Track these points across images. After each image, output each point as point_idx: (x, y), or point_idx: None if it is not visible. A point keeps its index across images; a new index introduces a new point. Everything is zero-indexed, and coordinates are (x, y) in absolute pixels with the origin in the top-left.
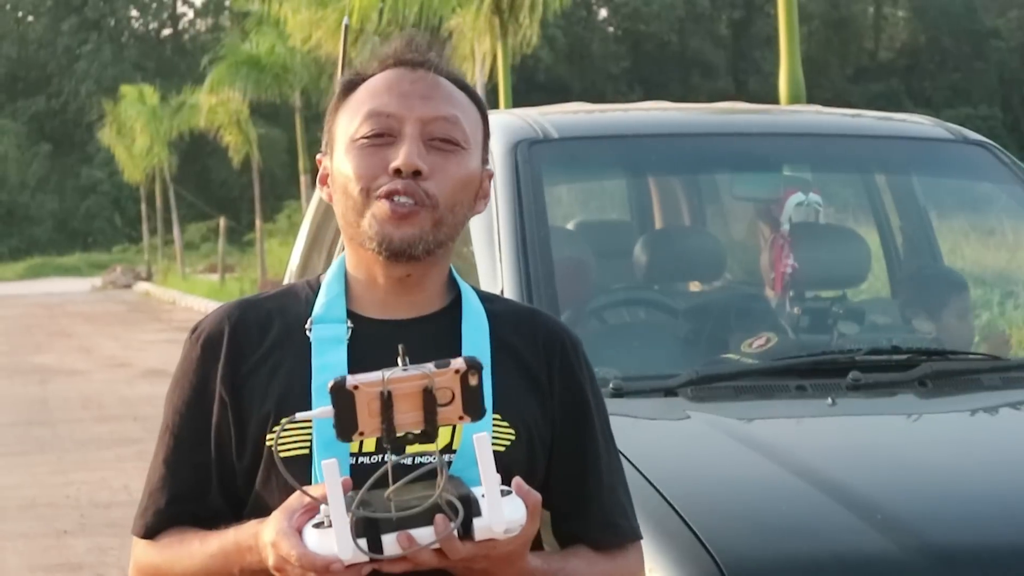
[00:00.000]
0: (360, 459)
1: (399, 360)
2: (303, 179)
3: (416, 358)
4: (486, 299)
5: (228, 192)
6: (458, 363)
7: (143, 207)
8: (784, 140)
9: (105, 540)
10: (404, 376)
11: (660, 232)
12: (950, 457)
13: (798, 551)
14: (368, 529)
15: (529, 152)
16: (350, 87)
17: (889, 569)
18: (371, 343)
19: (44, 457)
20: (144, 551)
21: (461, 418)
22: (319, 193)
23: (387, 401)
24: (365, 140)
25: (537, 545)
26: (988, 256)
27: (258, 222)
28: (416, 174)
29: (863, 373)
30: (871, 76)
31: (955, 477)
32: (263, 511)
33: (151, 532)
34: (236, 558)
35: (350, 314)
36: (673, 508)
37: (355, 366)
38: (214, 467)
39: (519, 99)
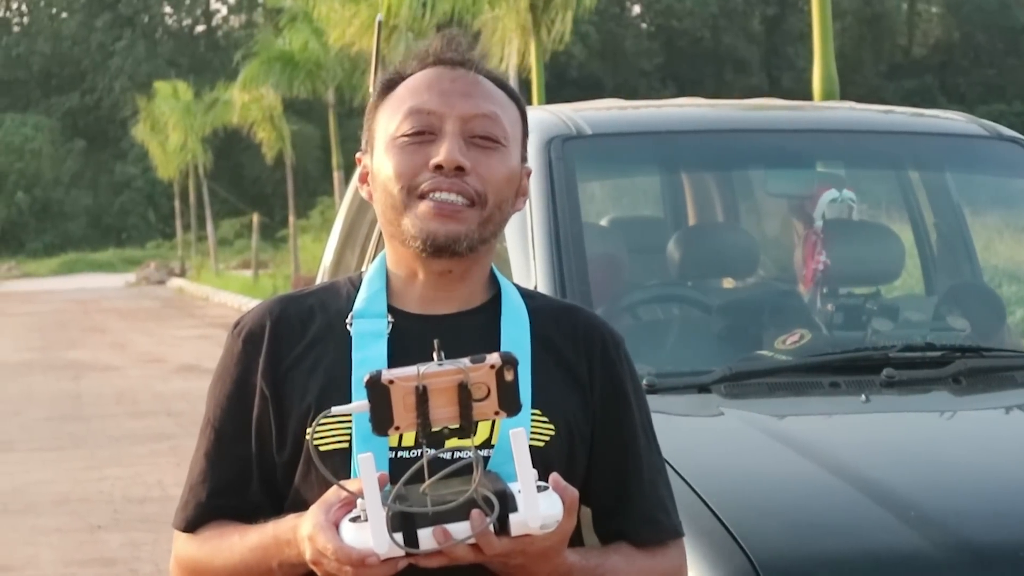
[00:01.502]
0: (399, 453)
1: (434, 355)
2: (336, 175)
3: (456, 353)
4: (526, 295)
5: (261, 188)
6: (493, 358)
7: (177, 203)
8: (818, 136)
9: (139, 535)
10: (439, 371)
11: (693, 228)
12: (984, 454)
13: (832, 548)
14: (404, 523)
15: (563, 148)
16: (390, 86)
17: (923, 566)
18: (411, 338)
19: (78, 452)
20: (185, 544)
21: (497, 413)
22: (352, 189)
23: (422, 396)
24: (406, 138)
25: (577, 541)
26: (1022, 252)
27: (291, 218)
28: (458, 170)
29: (897, 370)
30: (905, 72)
31: (989, 474)
32: (303, 505)
33: (192, 525)
34: (275, 552)
35: (391, 309)
36: (707, 505)
37: (395, 360)
38: (255, 461)
39: (551, 95)
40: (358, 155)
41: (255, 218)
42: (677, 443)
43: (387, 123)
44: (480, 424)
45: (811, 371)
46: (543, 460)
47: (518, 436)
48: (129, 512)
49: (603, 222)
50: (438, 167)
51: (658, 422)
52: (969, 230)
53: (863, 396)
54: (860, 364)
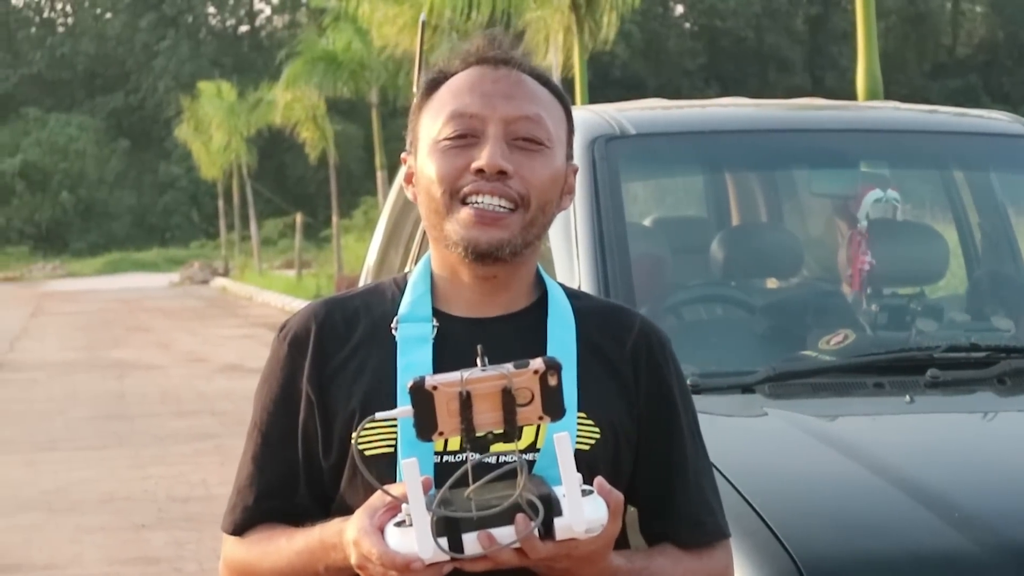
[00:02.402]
0: (444, 458)
1: (477, 360)
2: (379, 175)
3: (502, 356)
4: (573, 296)
5: (305, 188)
6: (537, 363)
7: (220, 203)
8: (862, 136)
9: (182, 534)
10: (483, 376)
11: (737, 228)
12: None
13: (876, 549)
14: (449, 528)
15: (606, 148)
16: (433, 85)
17: (967, 567)
18: (457, 341)
19: (122, 451)
20: (233, 547)
21: (541, 418)
22: (396, 189)
23: (466, 401)
24: (448, 142)
25: (623, 541)
26: None
27: (334, 218)
28: (501, 174)
29: (941, 371)
30: (949, 72)
31: None
32: (349, 509)
33: (240, 529)
34: (321, 555)
35: (436, 312)
36: (751, 505)
37: (440, 364)
38: (301, 465)
39: (594, 95)
40: (403, 155)
41: (298, 218)
42: (721, 443)
43: (430, 125)
44: (525, 428)
45: (855, 371)
46: (588, 463)
47: (562, 441)
48: (173, 511)
49: (647, 222)
50: (480, 171)
51: (702, 422)
52: (1014, 230)
53: (907, 397)
54: (904, 364)
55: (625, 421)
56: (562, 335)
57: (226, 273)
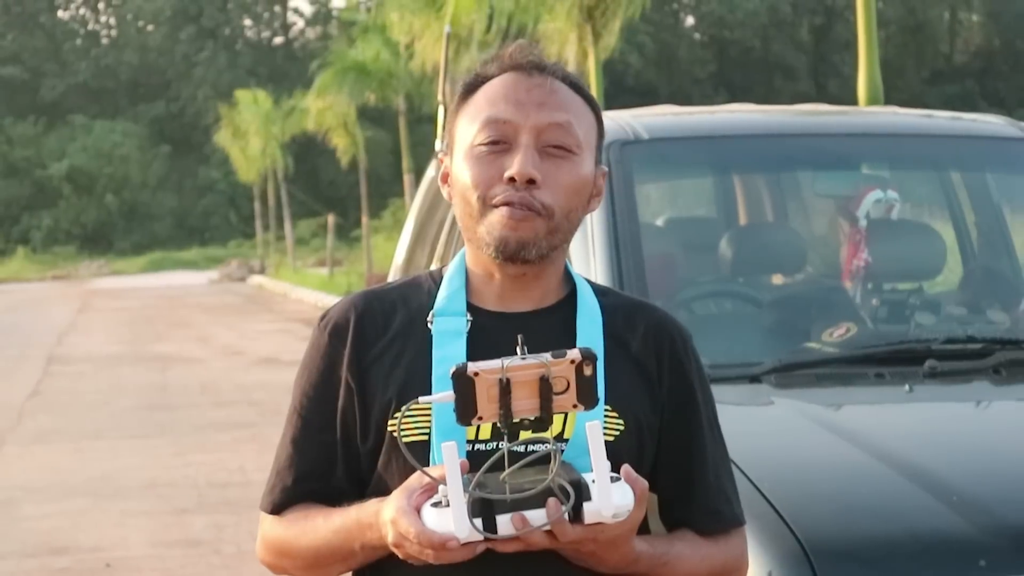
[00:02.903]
0: (476, 446)
1: (518, 349)
2: (407, 178)
3: (533, 349)
4: (600, 292)
5: (336, 191)
6: (574, 353)
7: (256, 205)
8: (863, 140)
9: (222, 518)
10: (522, 364)
11: (744, 228)
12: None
13: (878, 531)
14: (484, 509)
15: (621, 152)
16: (470, 89)
17: (964, 548)
18: (489, 334)
19: (164, 440)
20: (271, 526)
21: (575, 406)
22: (422, 192)
23: (505, 388)
24: (483, 147)
25: (643, 527)
26: None
27: (364, 219)
28: (530, 182)
29: (939, 361)
30: (946, 78)
31: None
32: (383, 492)
33: (278, 508)
34: (357, 534)
35: (470, 306)
36: (758, 490)
37: (474, 357)
38: (339, 448)
39: (609, 102)
40: (440, 155)
41: (330, 219)
42: (729, 431)
43: (466, 130)
44: (553, 419)
45: (857, 363)
46: (613, 454)
47: (594, 428)
48: (213, 496)
49: (659, 222)
50: (511, 180)
51: None
52: (1008, 228)
53: (907, 386)
54: (904, 356)
55: (648, 414)
56: (590, 330)
57: (262, 271)
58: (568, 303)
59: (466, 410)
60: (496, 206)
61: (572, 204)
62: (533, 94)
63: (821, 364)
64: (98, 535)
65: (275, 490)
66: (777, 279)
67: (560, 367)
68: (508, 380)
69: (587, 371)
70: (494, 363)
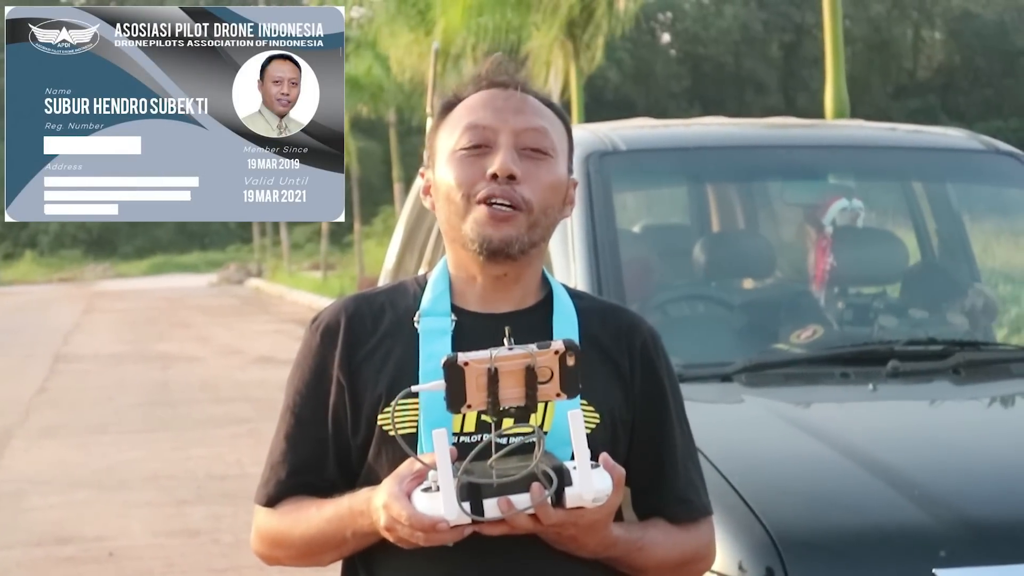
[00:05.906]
0: (461, 438)
1: (505, 341)
2: (396, 187)
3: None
4: (574, 295)
5: None
6: (558, 344)
7: None
8: (830, 151)
9: (220, 508)
10: (510, 355)
11: (717, 234)
12: (981, 438)
13: (843, 522)
14: (472, 494)
15: (600, 163)
16: (448, 107)
17: (925, 539)
18: (472, 334)
19: (166, 434)
20: (266, 518)
21: (558, 395)
22: (411, 200)
23: (493, 377)
24: (464, 151)
25: (619, 517)
26: (1018, 256)
27: (356, 225)
28: (511, 178)
29: (902, 362)
30: (910, 93)
31: (986, 456)
32: (374, 482)
33: (272, 500)
34: (349, 522)
35: (454, 308)
36: (729, 484)
37: None
38: (331, 443)
39: (589, 115)
40: (421, 170)
41: (324, 225)
42: (702, 428)
43: (447, 138)
44: (537, 409)
45: (823, 363)
46: (589, 445)
47: (575, 417)
48: (211, 488)
49: (636, 229)
50: (493, 176)
51: (685, 408)
52: (968, 235)
53: (871, 385)
54: (868, 356)
55: (622, 408)
56: (566, 330)
57: (259, 274)
58: (545, 305)
59: (456, 398)
60: (480, 202)
61: (549, 201)
62: (510, 103)
63: (789, 364)
64: (102, 525)
65: (269, 483)
66: (748, 283)
67: (545, 357)
68: (496, 369)
69: (570, 361)
70: (483, 353)
